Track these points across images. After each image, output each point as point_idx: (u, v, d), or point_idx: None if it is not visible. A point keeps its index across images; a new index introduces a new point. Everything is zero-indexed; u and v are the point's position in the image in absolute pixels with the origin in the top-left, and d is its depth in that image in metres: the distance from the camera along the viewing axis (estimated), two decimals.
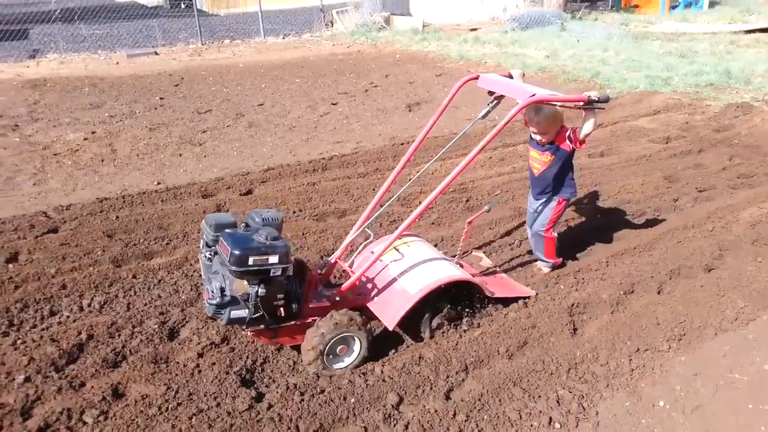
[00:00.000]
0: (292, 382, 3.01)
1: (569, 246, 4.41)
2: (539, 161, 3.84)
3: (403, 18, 16.89)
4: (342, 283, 3.32)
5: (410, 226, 3.29)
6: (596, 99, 3.34)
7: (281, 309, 3.03)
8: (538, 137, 3.75)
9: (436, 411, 2.83)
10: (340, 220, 4.98)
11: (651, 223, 4.87)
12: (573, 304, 3.62)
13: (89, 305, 3.78)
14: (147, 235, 4.63)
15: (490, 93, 3.55)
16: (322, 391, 2.95)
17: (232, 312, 2.83)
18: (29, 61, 12.53)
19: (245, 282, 2.83)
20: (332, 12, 17.27)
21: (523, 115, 3.71)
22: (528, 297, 3.72)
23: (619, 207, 5.15)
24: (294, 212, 5.08)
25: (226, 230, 2.90)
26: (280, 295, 2.96)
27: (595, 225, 4.87)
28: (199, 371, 3.11)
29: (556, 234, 4.01)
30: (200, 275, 3.89)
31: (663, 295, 3.81)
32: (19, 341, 3.37)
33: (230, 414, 2.82)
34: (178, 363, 3.18)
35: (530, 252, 4.25)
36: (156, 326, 3.47)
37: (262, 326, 2.99)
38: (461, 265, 3.79)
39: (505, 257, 4.38)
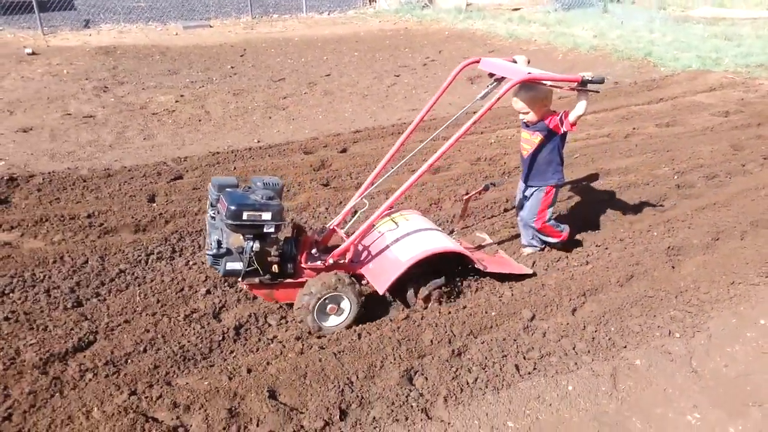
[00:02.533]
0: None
1: (656, 199, 4.85)
2: (529, 142, 3.83)
3: None
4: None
5: (401, 197, 3.48)
6: (590, 79, 3.34)
7: (275, 266, 3.23)
8: (524, 117, 3.75)
9: (567, 324, 3.30)
10: (434, 175, 5.44)
11: (724, 184, 5.28)
12: (669, 247, 4.07)
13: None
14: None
15: (491, 75, 3.58)
16: (465, 307, 3.44)
17: (227, 263, 3.03)
18: (87, 30, 13.02)
19: (241, 237, 3.02)
20: None
21: None
22: (528, 275, 3.79)
23: (694, 170, 5.57)
24: (391, 167, 5.54)
25: (227, 189, 3.07)
26: (274, 253, 3.17)
27: (674, 184, 5.29)
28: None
29: (551, 223, 3.98)
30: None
31: (746, 241, 4.23)
32: (190, 262, 3.91)
33: (393, 320, 3.32)
34: None
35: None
36: None
37: (257, 280, 3.16)
38: (459, 241, 3.86)
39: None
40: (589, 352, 3.08)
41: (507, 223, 4.68)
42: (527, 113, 3.70)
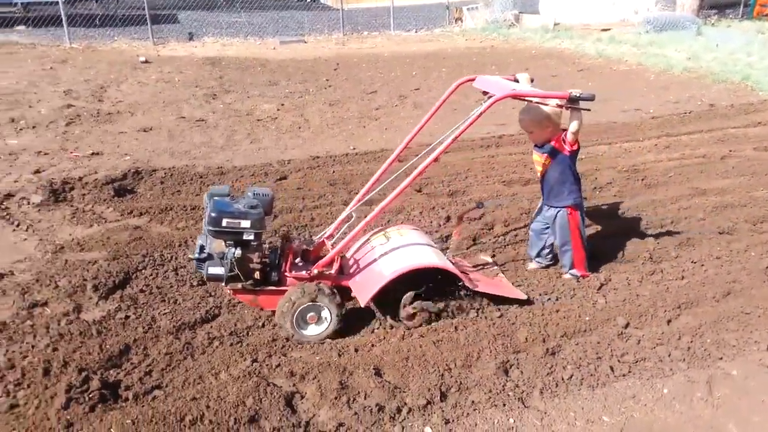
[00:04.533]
0: (535, 297, 3.67)
1: (754, 220, 4.78)
2: (539, 163, 3.81)
3: (532, 16, 17.24)
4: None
5: (384, 212, 3.44)
6: (579, 96, 3.27)
7: (258, 273, 3.28)
8: (530, 137, 3.76)
9: (663, 333, 3.35)
10: (524, 187, 5.57)
11: None
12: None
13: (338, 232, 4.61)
14: (363, 186, 5.42)
15: (484, 93, 3.49)
16: (558, 311, 3.56)
17: (209, 267, 3.14)
18: (192, 43, 14.02)
19: (223, 243, 3.14)
20: (462, 8, 17.89)
21: None
22: (523, 301, 3.65)
23: None
24: (482, 178, 5.73)
25: (215, 197, 3.18)
26: (256, 260, 3.24)
27: None
28: None
29: (584, 247, 3.88)
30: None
31: None
32: None
33: (487, 318, 3.50)
34: None
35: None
36: None
37: (239, 285, 3.25)
38: (454, 260, 3.82)
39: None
40: (684, 360, 3.13)
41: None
42: (531, 133, 3.73)
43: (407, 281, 3.34)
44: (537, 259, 4.17)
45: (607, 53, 12.53)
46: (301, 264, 3.49)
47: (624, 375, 3.01)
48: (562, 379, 2.98)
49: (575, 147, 3.64)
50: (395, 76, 10.62)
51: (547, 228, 4.00)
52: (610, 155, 6.36)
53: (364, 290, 3.36)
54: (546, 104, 3.51)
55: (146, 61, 11.12)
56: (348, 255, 3.73)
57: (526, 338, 3.27)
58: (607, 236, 4.60)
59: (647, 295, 3.70)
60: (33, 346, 3.13)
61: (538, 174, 3.88)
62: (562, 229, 3.85)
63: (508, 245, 4.52)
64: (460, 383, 2.95)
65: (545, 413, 2.77)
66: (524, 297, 3.69)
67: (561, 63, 11.87)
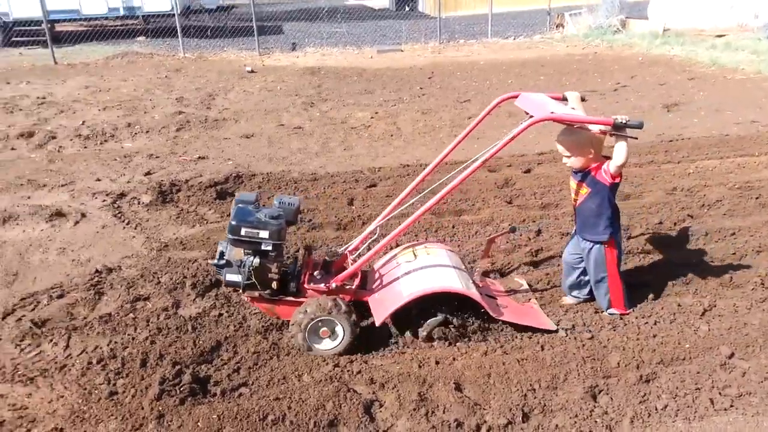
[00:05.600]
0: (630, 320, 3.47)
1: None
2: (576, 192, 3.50)
3: (640, 21, 16.38)
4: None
5: (405, 231, 3.30)
6: (625, 123, 2.99)
7: (275, 283, 3.27)
8: (566, 161, 3.42)
9: None
10: (623, 202, 5.26)
11: None
12: None
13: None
14: (453, 197, 5.39)
15: (526, 113, 3.29)
16: (655, 336, 3.34)
17: (227, 274, 3.15)
18: (295, 53, 14.57)
19: (242, 251, 3.12)
20: (564, 14, 17.35)
21: None
22: (551, 330, 3.44)
23: None
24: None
25: (239, 204, 3.17)
26: (274, 270, 3.22)
27: None
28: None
29: (622, 283, 3.56)
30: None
31: None
32: None
33: (577, 338, 3.35)
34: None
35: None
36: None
37: (256, 294, 3.24)
38: (478, 283, 3.65)
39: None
40: None
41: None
42: (569, 158, 3.39)
43: (430, 301, 3.23)
44: (573, 293, 3.82)
45: (722, 61, 11.66)
46: (321, 276, 3.44)
47: (725, 409, 2.78)
48: (656, 408, 2.80)
49: (617, 179, 3.30)
50: (490, 84, 10.48)
51: (581, 260, 3.66)
52: (721, 170, 5.89)
53: (380, 309, 3.29)
54: (587, 129, 3.21)
55: (252, 71, 11.70)
56: (375, 268, 3.69)
57: (619, 363, 3.11)
58: (714, 258, 4.27)
59: (756, 324, 3.39)
60: (133, 338, 3.37)
61: (574, 203, 3.55)
62: (597, 265, 3.52)
63: None
64: (544, 405, 2.85)
65: None
66: (553, 328, 3.47)
67: (670, 71, 11.19)
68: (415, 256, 3.56)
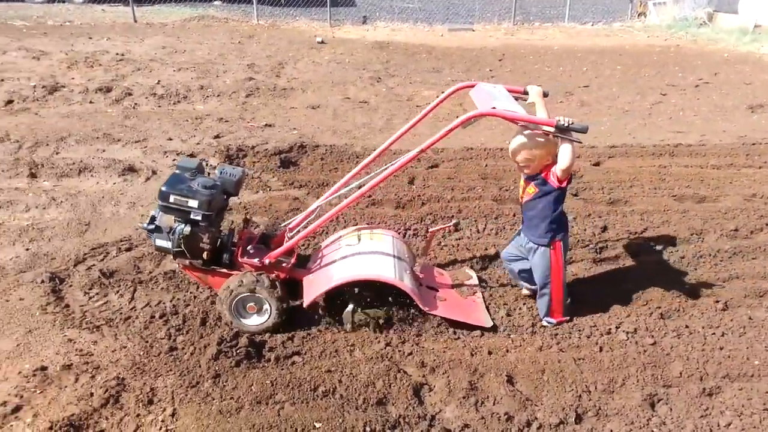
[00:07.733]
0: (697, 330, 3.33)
1: None
2: (523, 190, 3.36)
3: (728, 16, 15.40)
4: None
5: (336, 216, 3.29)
6: (567, 125, 2.86)
7: (207, 253, 3.17)
8: (524, 170, 3.23)
9: None
10: (698, 204, 5.02)
11: None
12: None
13: (484, 229, 4.53)
14: (515, 183, 5.26)
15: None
16: (722, 348, 3.18)
17: (157, 239, 3.11)
18: (365, 26, 14.47)
19: (172, 218, 3.07)
20: (647, 2, 16.52)
21: None
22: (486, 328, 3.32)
23: None
24: (649, 189, 5.27)
25: (176, 171, 3.12)
26: (206, 240, 3.11)
27: None
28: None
29: (564, 290, 3.37)
30: None
31: None
32: (441, 243, 4.23)
33: (638, 343, 3.23)
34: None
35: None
36: None
37: (187, 262, 3.18)
38: (419, 274, 3.54)
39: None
40: None
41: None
42: (516, 159, 3.19)
43: (362, 286, 3.20)
44: (525, 284, 3.67)
45: None
46: (256, 250, 3.39)
47: None
48: (718, 425, 2.68)
49: (564, 184, 3.15)
50: (563, 71, 10.12)
51: (520, 258, 3.53)
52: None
53: (309, 290, 3.27)
54: (530, 129, 3.06)
55: (322, 42, 11.70)
56: (321, 248, 3.65)
57: (681, 373, 2.99)
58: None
59: None
60: (195, 297, 3.47)
61: (521, 201, 3.42)
62: (541, 268, 3.34)
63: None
64: (599, 408, 2.77)
65: None
66: (489, 324, 3.35)
67: (758, 70, 10.50)
68: (358, 240, 3.51)
